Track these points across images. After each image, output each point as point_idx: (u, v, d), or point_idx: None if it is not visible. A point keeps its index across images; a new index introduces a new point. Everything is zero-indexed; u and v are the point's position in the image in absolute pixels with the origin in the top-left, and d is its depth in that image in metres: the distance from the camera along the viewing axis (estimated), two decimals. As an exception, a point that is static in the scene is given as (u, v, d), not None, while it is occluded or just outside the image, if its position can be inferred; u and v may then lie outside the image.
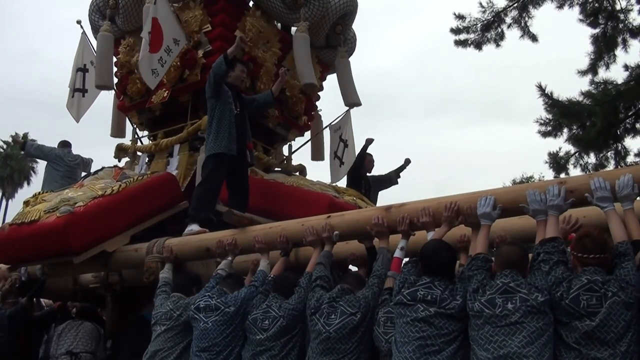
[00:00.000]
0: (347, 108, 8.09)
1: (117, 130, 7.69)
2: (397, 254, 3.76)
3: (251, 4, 7.00)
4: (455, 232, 3.86)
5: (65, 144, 8.49)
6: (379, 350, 3.45)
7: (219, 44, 6.48)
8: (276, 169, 6.95)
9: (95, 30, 7.48)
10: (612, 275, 2.94)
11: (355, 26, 7.78)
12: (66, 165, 8.12)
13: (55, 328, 6.25)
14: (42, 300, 7.03)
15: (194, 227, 5.15)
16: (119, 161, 7.19)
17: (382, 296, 3.58)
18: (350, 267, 4.97)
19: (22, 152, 8.37)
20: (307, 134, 7.91)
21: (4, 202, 42.04)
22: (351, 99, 7.35)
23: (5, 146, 44.21)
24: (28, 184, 43.13)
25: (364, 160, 7.95)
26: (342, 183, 7.67)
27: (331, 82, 7.79)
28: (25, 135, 44.40)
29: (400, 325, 3.25)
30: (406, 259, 3.81)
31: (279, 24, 7.35)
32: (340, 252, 4.41)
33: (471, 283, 3.18)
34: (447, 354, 3.09)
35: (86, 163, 8.51)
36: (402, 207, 3.98)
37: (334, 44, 7.41)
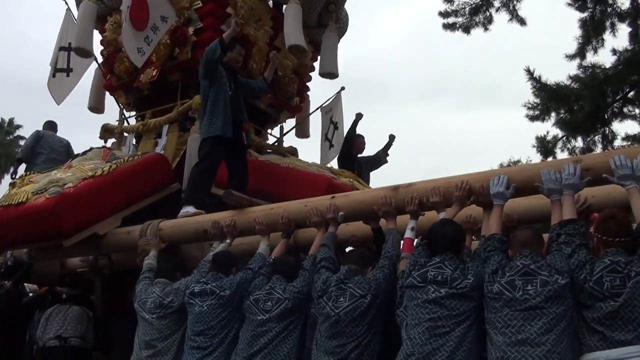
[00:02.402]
0: (338, 90, 8.02)
1: (95, 102, 7.46)
2: (408, 234, 3.68)
3: (243, -20, 6.79)
4: (461, 213, 3.78)
5: (51, 125, 8.20)
6: None
7: (210, 20, 6.30)
8: (268, 150, 6.83)
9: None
10: (634, 255, 2.88)
11: (347, 8, 7.64)
12: (50, 147, 7.84)
13: (41, 312, 6.10)
14: (26, 285, 6.84)
15: (190, 209, 5.01)
16: (105, 142, 6.98)
17: (400, 279, 3.47)
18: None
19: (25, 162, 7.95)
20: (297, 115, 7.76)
21: None
22: (328, 67, 7.06)
23: None
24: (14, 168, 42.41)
25: (354, 140, 7.84)
26: (333, 165, 7.57)
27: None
28: (10, 121, 43.83)
29: (412, 308, 3.17)
30: (416, 241, 3.74)
31: (271, 2, 7.17)
32: (340, 233, 4.30)
33: (489, 264, 3.11)
34: (456, 334, 3.01)
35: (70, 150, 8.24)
36: (411, 187, 3.89)
37: (326, 23, 7.24)
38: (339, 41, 7.25)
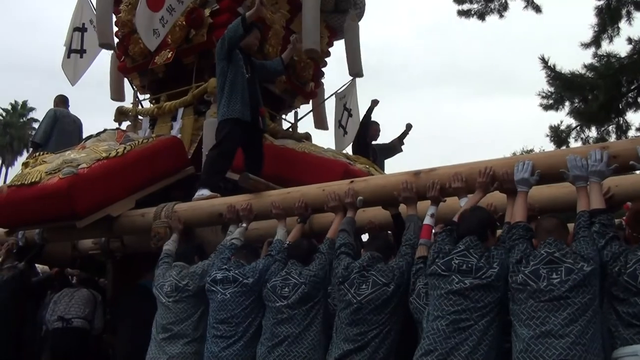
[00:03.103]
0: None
1: (117, 93, 7.41)
2: (427, 220, 3.60)
3: (260, -38, 6.69)
4: (482, 201, 3.71)
5: (63, 100, 8.08)
6: (418, 322, 3.30)
7: (227, 2, 6.21)
8: (281, 136, 6.76)
9: (95, -13, 7.16)
10: None
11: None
12: (63, 129, 7.75)
13: (51, 295, 6.09)
14: (37, 266, 6.83)
15: (205, 192, 4.95)
16: (119, 125, 6.92)
17: (415, 265, 3.42)
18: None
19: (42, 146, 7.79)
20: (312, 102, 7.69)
21: (3, 169, 41.85)
22: (355, 68, 7.12)
23: (4, 114, 43.76)
24: (27, 151, 42.55)
25: (369, 127, 7.77)
26: (347, 151, 7.50)
27: (338, 48, 7.57)
28: (24, 104, 43.97)
29: (435, 298, 3.11)
30: (438, 227, 3.69)
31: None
32: (357, 219, 4.24)
33: (513, 253, 3.05)
34: (479, 327, 2.95)
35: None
36: (432, 172, 3.82)
37: (343, 8, 7.16)
38: (359, 29, 7.20)
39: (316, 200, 4.26)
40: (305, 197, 4.31)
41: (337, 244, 3.77)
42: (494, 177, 3.55)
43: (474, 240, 3.16)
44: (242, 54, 5.31)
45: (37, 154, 6.06)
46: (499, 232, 3.49)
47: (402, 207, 3.97)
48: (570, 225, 3.28)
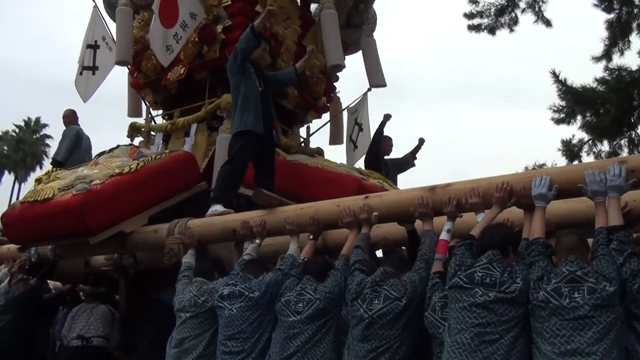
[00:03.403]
0: (364, 90, 7.94)
1: (134, 110, 7.45)
2: (444, 236, 3.56)
3: (272, -21, 6.74)
4: (499, 217, 3.68)
5: (76, 116, 8.15)
6: (433, 337, 3.26)
7: (240, 19, 6.24)
8: (294, 151, 6.75)
9: (108, 4, 7.21)
10: None
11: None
12: (82, 146, 7.81)
13: (64, 311, 6.07)
14: (49, 282, 6.82)
15: (218, 208, 4.93)
16: (132, 140, 6.94)
17: (431, 280, 3.38)
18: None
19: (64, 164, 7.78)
20: (324, 116, 7.70)
21: (16, 185, 42.08)
22: (377, 80, 7.17)
23: (17, 130, 44.20)
24: (40, 167, 43.21)
25: (382, 142, 7.76)
26: (359, 166, 7.48)
27: (349, 63, 7.57)
28: (37, 120, 44.35)
29: (456, 311, 3.07)
30: (454, 241, 3.65)
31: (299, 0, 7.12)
32: (371, 235, 4.22)
33: (534, 270, 3.02)
34: (506, 342, 2.91)
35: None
36: (448, 188, 3.78)
37: (355, 23, 7.18)
38: (376, 43, 7.24)
39: (330, 216, 4.22)
40: (319, 212, 4.28)
41: (352, 260, 3.74)
42: (511, 193, 3.51)
43: (497, 254, 3.14)
44: (254, 68, 5.32)
45: (51, 170, 6.06)
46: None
47: (418, 223, 3.94)
48: (589, 240, 3.25)
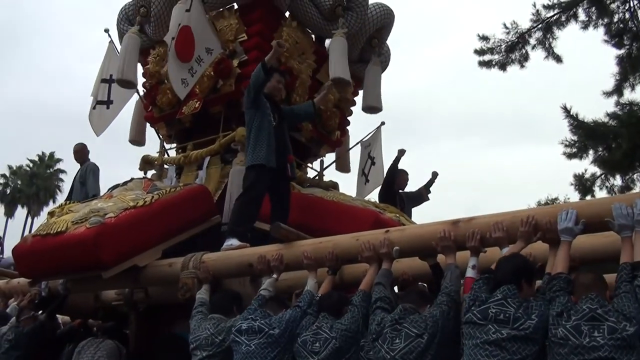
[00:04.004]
0: (378, 125, 7.94)
1: (137, 135, 7.44)
2: (469, 273, 3.46)
3: (287, 14, 6.80)
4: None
5: (86, 149, 8.16)
6: None
7: (255, 53, 6.26)
8: (308, 184, 6.71)
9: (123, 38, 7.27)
10: None
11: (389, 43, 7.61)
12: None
13: (70, 346, 5.96)
14: (59, 316, 6.72)
15: (234, 242, 4.87)
16: (145, 173, 6.92)
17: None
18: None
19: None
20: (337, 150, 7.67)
21: (29, 220, 42.08)
22: (371, 101, 6.94)
23: (31, 164, 44.47)
24: (54, 202, 43.24)
25: (397, 176, 7.72)
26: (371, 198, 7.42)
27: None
28: (51, 155, 44.68)
29: (469, 348, 3.00)
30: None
31: (313, 36, 7.16)
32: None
33: (553, 306, 2.94)
34: None
35: None
36: (471, 222, 3.71)
37: (369, 58, 7.19)
38: (380, 72, 7.19)
39: (349, 250, 4.14)
40: (337, 247, 4.21)
41: (373, 298, 3.63)
42: (536, 227, 3.44)
43: (512, 289, 3.07)
44: (269, 102, 5.31)
45: (64, 203, 6.02)
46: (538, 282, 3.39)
47: (440, 258, 3.86)
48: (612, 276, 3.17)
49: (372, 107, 7.01)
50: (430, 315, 3.32)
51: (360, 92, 7.40)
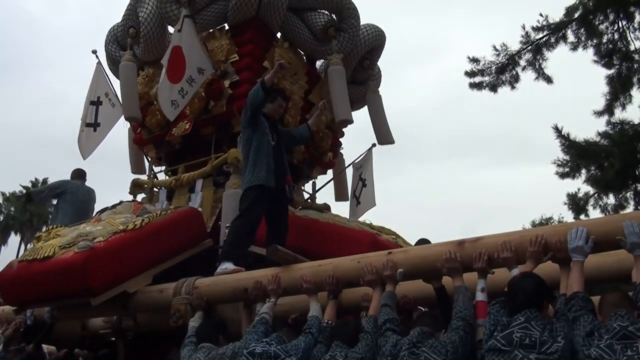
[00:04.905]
0: (369, 146, 7.87)
1: (137, 167, 7.32)
2: (479, 297, 3.35)
3: (279, 35, 6.75)
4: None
5: (79, 174, 7.91)
6: None
7: (247, 74, 6.19)
8: (300, 207, 6.59)
9: (112, 61, 7.17)
10: None
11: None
12: (79, 200, 7.53)
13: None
14: (44, 346, 6.49)
15: (229, 266, 4.70)
16: (135, 197, 6.75)
17: (480, 351, 3.14)
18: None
19: (31, 202, 7.60)
20: (329, 172, 7.59)
21: (22, 246, 41.42)
22: (385, 138, 7.15)
23: (24, 191, 44.09)
24: (47, 228, 42.57)
25: None
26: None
27: (354, 118, 7.51)
28: (44, 181, 44.32)
29: None
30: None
31: (305, 56, 7.10)
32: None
33: (579, 325, 2.83)
34: None
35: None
36: (478, 242, 3.59)
37: (360, 79, 7.18)
38: (381, 99, 7.21)
39: (350, 273, 4.00)
40: (338, 269, 4.06)
41: (381, 320, 3.50)
42: (546, 246, 3.33)
43: (534, 311, 2.96)
44: (267, 122, 5.21)
45: (51, 226, 5.83)
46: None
47: (444, 280, 3.73)
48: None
49: (387, 142, 7.35)
50: (450, 341, 3.20)
51: (353, 113, 7.35)
